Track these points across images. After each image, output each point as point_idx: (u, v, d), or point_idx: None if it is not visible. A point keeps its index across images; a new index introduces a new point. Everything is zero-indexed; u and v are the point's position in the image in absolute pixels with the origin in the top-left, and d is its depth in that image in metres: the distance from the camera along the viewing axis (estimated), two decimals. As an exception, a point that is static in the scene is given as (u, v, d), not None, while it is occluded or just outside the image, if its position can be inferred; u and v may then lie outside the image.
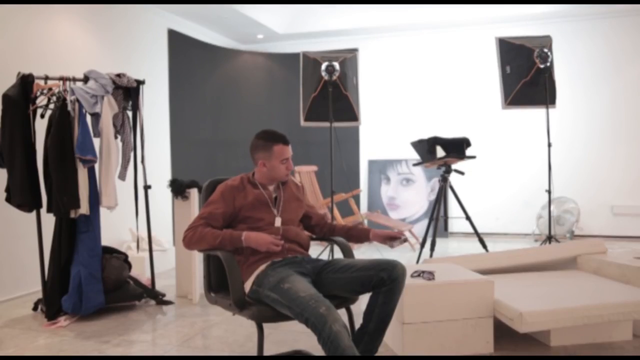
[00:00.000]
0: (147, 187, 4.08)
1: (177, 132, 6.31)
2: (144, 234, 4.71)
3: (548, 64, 5.05)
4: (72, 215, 3.54)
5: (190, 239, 2.36)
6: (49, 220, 3.70)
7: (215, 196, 2.46)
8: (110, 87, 3.76)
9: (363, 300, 2.37)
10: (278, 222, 2.46)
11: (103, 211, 3.79)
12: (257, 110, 7.31)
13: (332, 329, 1.95)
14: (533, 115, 6.41)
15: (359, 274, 2.29)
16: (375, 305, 2.27)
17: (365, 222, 6.65)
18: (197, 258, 4.03)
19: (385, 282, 2.23)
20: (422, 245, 4.89)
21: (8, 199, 3.58)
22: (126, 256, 3.96)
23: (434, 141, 4.75)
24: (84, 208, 3.54)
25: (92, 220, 3.63)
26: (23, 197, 3.50)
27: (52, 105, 3.68)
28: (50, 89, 3.66)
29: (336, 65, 4.95)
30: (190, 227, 2.38)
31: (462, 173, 4.99)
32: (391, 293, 2.25)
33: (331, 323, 1.96)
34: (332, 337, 1.95)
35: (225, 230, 2.36)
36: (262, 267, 2.36)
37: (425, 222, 6.72)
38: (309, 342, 2.89)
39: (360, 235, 2.61)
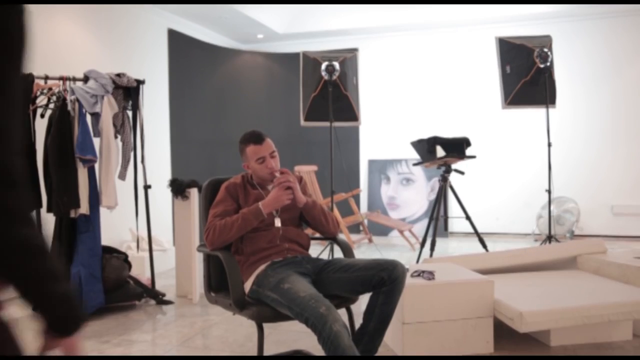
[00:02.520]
0: (147, 187, 4.08)
1: (177, 132, 6.31)
2: (144, 233, 4.70)
3: (548, 64, 5.05)
4: (72, 215, 3.54)
5: (213, 236, 2.34)
6: (49, 220, 3.70)
7: (222, 195, 2.46)
8: (110, 86, 3.76)
9: (363, 300, 2.37)
10: (278, 222, 2.45)
11: (103, 211, 3.79)
12: (257, 110, 7.31)
13: (333, 329, 1.95)
14: (533, 115, 6.41)
15: (359, 273, 2.28)
16: (376, 305, 2.27)
17: (366, 222, 6.66)
18: (197, 258, 4.03)
19: (385, 282, 2.23)
20: (422, 245, 4.89)
21: (8, 199, 3.57)
22: (126, 256, 3.96)
23: (434, 141, 4.75)
24: (84, 208, 3.54)
25: (92, 220, 3.63)
26: (23, 197, 3.50)
27: (52, 105, 3.68)
28: (50, 89, 3.65)
29: (336, 65, 4.95)
30: (208, 228, 2.38)
31: (462, 173, 4.99)
32: (391, 293, 2.24)
33: (331, 323, 1.96)
34: (333, 337, 1.95)
35: (242, 210, 2.37)
36: (262, 267, 2.36)
37: (425, 222, 6.71)
38: (309, 342, 2.89)
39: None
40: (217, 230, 2.34)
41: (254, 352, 2.84)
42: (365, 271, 2.27)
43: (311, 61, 5.06)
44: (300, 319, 2.06)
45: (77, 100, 3.58)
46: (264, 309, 2.23)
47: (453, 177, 4.93)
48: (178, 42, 6.35)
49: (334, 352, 1.95)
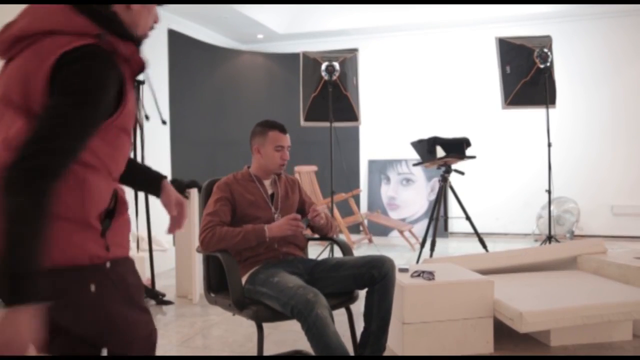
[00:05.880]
0: (147, 187, 4.07)
1: (177, 132, 6.31)
2: (144, 234, 4.70)
3: (548, 64, 5.05)
4: (72, 215, 3.53)
5: (210, 241, 2.31)
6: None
7: (215, 195, 2.45)
8: (110, 87, 3.75)
9: (362, 300, 2.38)
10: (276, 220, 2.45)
11: (103, 211, 3.78)
12: (257, 110, 7.30)
13: (319, 314, 1.97)
14: (533, 115, 6.40)
15: (349, 272, 2.32)
16: (373, 304, 2.29)
17: (366, 222, 6.66)
18: (197, 258, 4.03)
19: (376, 279, 2.27)
20: (422, 245, 4.89)
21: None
22: (126, 256, 3.95)
23: (434, 141, 4.75)
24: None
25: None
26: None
27: (52, 105, 3.67)
28: (50, 89, 3.65)
29: (336, 65, 4.95)
30: (206, 229, 2.34)
31: (462, 173, 4.99)
32: (385, 289, 2.28)
33: (318, 308, 1.98)
34: (319, 322, 1.96)
35: (246, 226, 2.33)
36: (256, 267, 2.37)
37: (425, 222, 6.70)
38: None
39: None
40: (215, 237, 2.31)
41: (254, 352, 2.84)
42: (355, 269, 2.31)
43: (311, 61, 5.06)
44: (287, 308, 2.06)
45: (77, 100, 3.58)
46: (263, 309, 2.23)
47: (453, 178, 4.93)
48: (178, 42, 6.35)
49: (319, 337, 1.96)
